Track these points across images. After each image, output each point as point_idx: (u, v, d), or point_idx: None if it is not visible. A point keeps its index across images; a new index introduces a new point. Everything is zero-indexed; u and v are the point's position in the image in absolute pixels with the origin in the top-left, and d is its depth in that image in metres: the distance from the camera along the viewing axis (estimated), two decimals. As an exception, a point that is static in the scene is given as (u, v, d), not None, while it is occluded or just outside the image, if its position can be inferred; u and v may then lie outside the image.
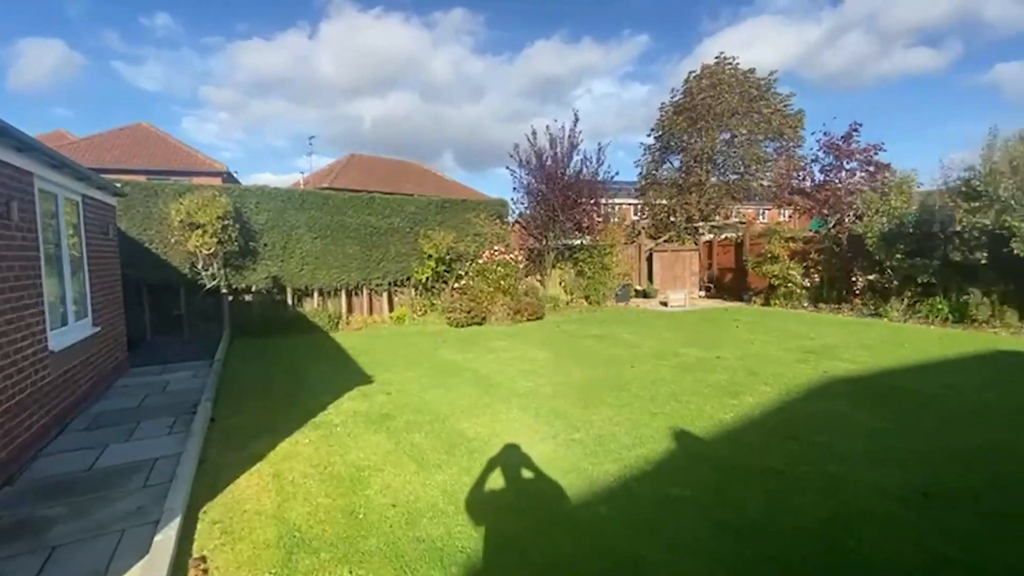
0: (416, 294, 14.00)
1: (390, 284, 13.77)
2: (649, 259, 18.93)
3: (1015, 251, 9.17)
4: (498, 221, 14.95)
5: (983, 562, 2.67)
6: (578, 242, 16.79)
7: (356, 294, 13.42)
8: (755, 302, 15.42)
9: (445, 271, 13.75)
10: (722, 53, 17.92)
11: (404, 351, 8.98)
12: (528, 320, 12.71)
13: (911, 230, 11.24)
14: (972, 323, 10.13)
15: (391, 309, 13.75)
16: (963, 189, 9.75)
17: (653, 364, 7.45)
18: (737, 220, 19.56)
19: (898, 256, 11.50)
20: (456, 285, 13.08)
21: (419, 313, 13.62)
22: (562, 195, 14.61)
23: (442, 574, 2.62)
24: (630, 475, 3.76)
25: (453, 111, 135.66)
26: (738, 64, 17.69)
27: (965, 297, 10.40)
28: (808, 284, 13.75)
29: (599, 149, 15.29)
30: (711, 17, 75.79)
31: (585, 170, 14.95)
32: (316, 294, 12.67)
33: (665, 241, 19.19)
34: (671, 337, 9.87)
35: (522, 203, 15.82)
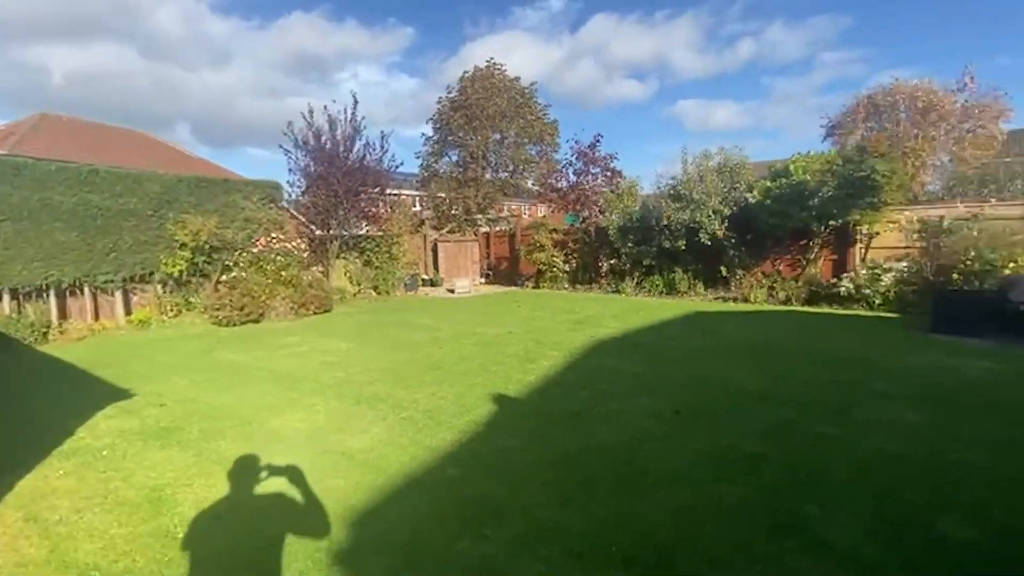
0: (165, 291, 11.64)
1: (125, 281, 11.13)
2: (435, 249, 19.56)
3: (701, 239, 12.57)
4: (271, 206, 13.43)
5: (719, 449, 3.78)
6: (363, 231, 16.31)
7: (74, 294, 10.47)
8: (527, 286, 17.44)
9: (206, 263, 11.78)
10: (492, 58, 19.62)
11: (165, 357, 7.46)
12: (315, 313, 11.86)
13: (637, 224, 14.31)
14: (678, 293, 13.51)
15: (128, 312, 11.15)
16: (671, 193, 12.91)
17: (457, 343, 7.89)
18: (508, 214, 21.71)
19: (629, 244, 14.52)
20: (224, 278, 11.34)
21: (171, 314, 11.39)
22: (346, 181, 13.96)
23: (309, 561, 2.45)
24: (466, 439, 4.04)
25: (189, 77, 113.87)
26: (506, 70, 19.61)
27: (672, 275, 13.77)
28: (568, 269, 16.22)
29: (383, 136, 15.07)
30: (472, 23, 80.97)
31: (369, 156, 14.57)
32: (6, 296, 9.45)
33: (447, 232, 20.08)
34: (465, 319, 10.52)
35: (299, 187, 14.56)
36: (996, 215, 9.62)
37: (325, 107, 14.47)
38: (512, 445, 3.89)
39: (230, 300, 10.70)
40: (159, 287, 11.69)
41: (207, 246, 11.49)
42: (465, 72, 19.78)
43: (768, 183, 11.88)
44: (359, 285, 16.02)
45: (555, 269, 16.32)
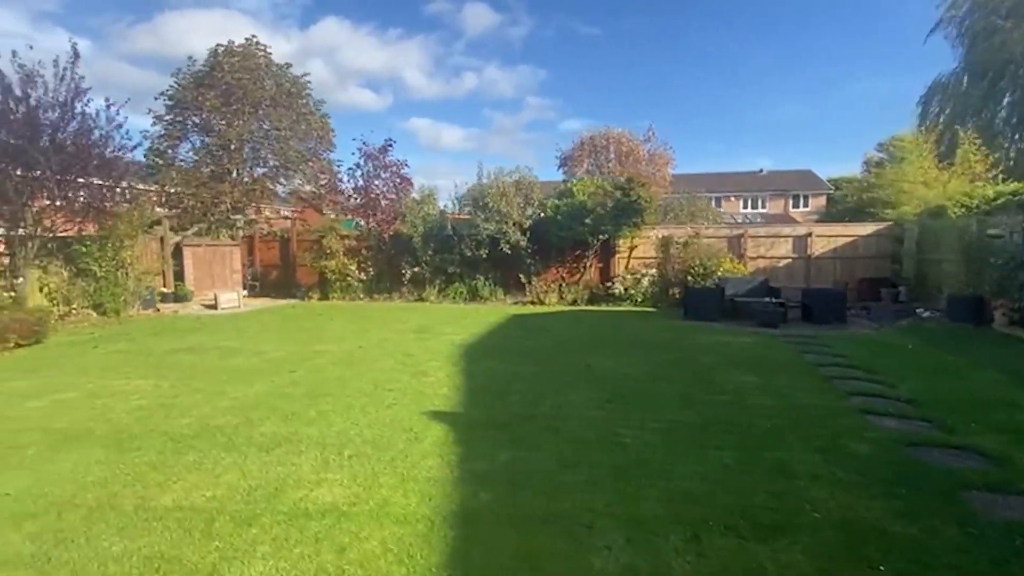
0: None
1: None
2: (177, 255, 15.63)
3: (503, 249, 13.60)
4: None
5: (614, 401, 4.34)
6: (71, 232, 11.91)
7: None
8: (311, 297, 15.65)
9: None
10: (254, 36, 16.70)
11: None
12: (19, 346, 8.17)
13: (440, 233, 14.54)
14: (481, 299, 14.24)
15: None
16: (479, 204, 13.53)
17: (311, 365, 6.64)
18: (266, 217, 18.92)
19: (430, 252, 14.62)
20: None
21: None
22: (56, 161, 10.04)
23: None
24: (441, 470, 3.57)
25: None
26: (271, 52, 17.08)
27: (474, 282, 14.46)
28: (363, 277, 15.22)
29: (108, 107, 11.34)
30: None
31: (97, 134, 10.84)
32: None
33: (195, 235, 16.27)
34: (279, 338, 8.86)
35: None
36: (708, 235, 13.46)
37: (14, 53, 10.12)
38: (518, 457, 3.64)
39: None
40: None
41: None
42: (219, 45, 16.40)
43: (556, 201, 13.71)
44: (70, 304, 11.68)
45: (349, 278, 15.12)
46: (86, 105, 10.74)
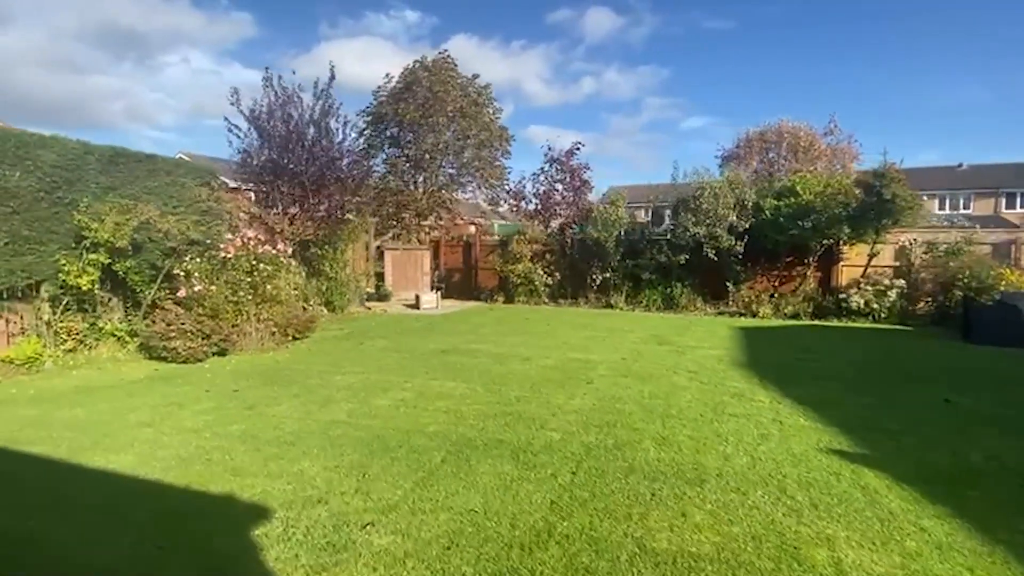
0: (58, 311, 7.79)
1: (3, 296, 7.26)
2: (380, 257, 16.90)
3: (708, 254, 12.59)
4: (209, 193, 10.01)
5: None
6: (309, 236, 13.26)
7: None
8: (496, 300, 15.91)
9: (133, 271, 8.21)
10: (446, 50, 17.74)
11: (141, 434, 4.64)
12: (295, 339, 9.02)
13: (636, 237, 13.94)
14: (678, 308, 13.35)
15: (7, 342, 7.26)
16: (690, 206, 12.70)
17: (597, 376, 6.35)
18: (446, 222, 19.83)
19: (618, 258, 14.07)
20: (174, 294, 7.93)
21: (69, 345, 7.67)
22: (313, 174, 11.14)
23: None
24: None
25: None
26: (457, 66, 17.88)
27: (670, 289, 13.60)
28: (549, 282, 15.13)
29: (345, 124, 12.44)
30: (330, 23, 75.70)
31: (345, 146, 11.95)
32: None
33: (391, 239, 17.51)
34: (518, 342, 8.82)
35: (244, 171, 11.25)
36: (979, 240, 11.22)
37: (280, 77, 11.42)
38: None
39: (187, 324, 7.49)
40: (45, 305, 7.79)
41: (127, 245, 7.93)
42: (416, 62, 17.53)
43: (775, 201, 12.36)
44: (307, 301, 12.95)
45: (535, 283, 15.11)
46: (337, 122, 11.89)
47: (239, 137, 11.07)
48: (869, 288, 11.43)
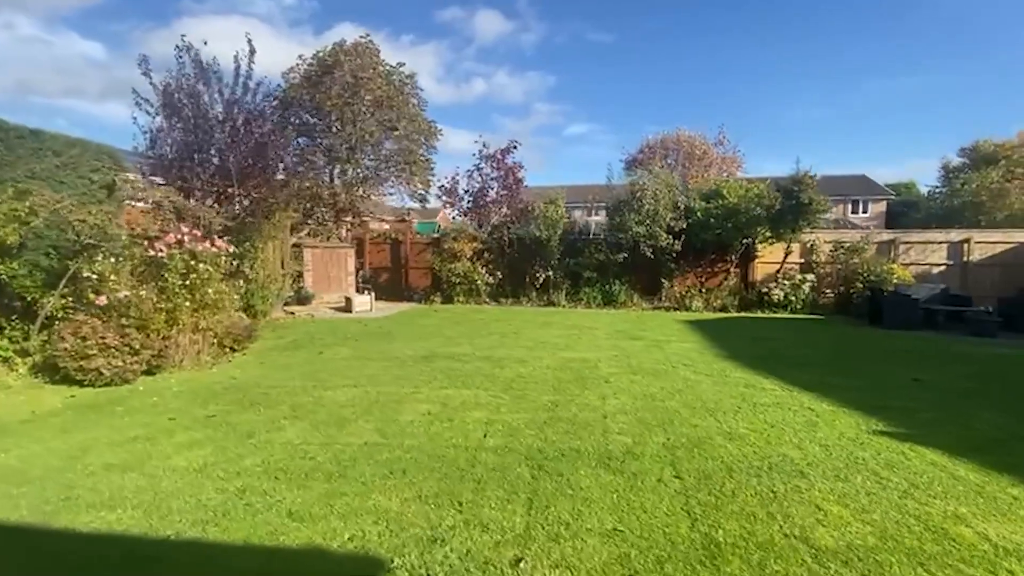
0: None
1: None
2: (297, 257, 15.33)
3: (645, 252, 13.23)
4: (101, 180, 8.28)
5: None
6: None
7: None
8: (433, 301, 15.28)
9: (22, 274, 6.52)
10: (368, 35, 16.49)
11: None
12: (233, 350, 7.82)
13: (576, 236, 14.22)
14: (617, 304, 13.85)
15: None
16: (633, 206, 13.14)
17: (609, 375, 6.27)
18: (380, 217, 18.61)
19: (557, 257, 14.29)
20: (98, 300, 6.36)
21: None
22: (243, 162, 9.78)
23: None
24: None
25: None
26: (379, 51, 16.78)
27: (609, 286, 14.07)
28: (491, 281, 14.85)
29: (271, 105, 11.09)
30: None
31: (268, 126, 10.59)
32: None
33: (306, 235, 15.96)
34: (497, 344, 8.48)
35: (152, 157, 9.49)
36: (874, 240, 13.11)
37: (189, 48, 9.80)
38: None
39: (115, 337, 6.11)
40: None
41: (54, 243, 6.30)
42: (335, 44, 16.11)
43: (704, 203, 13.33)
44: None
45: (477, 282, 14.75)
46: (256, 98, 10.49)
47: (149, 114, 9.31)
48: (786, 282, 12.82)
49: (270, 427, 4.45)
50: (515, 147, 15.83)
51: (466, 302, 14.90)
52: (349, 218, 16.87)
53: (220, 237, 9.26)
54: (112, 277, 6.58)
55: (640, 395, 5.35)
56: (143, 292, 6.48)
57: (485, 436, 4.17)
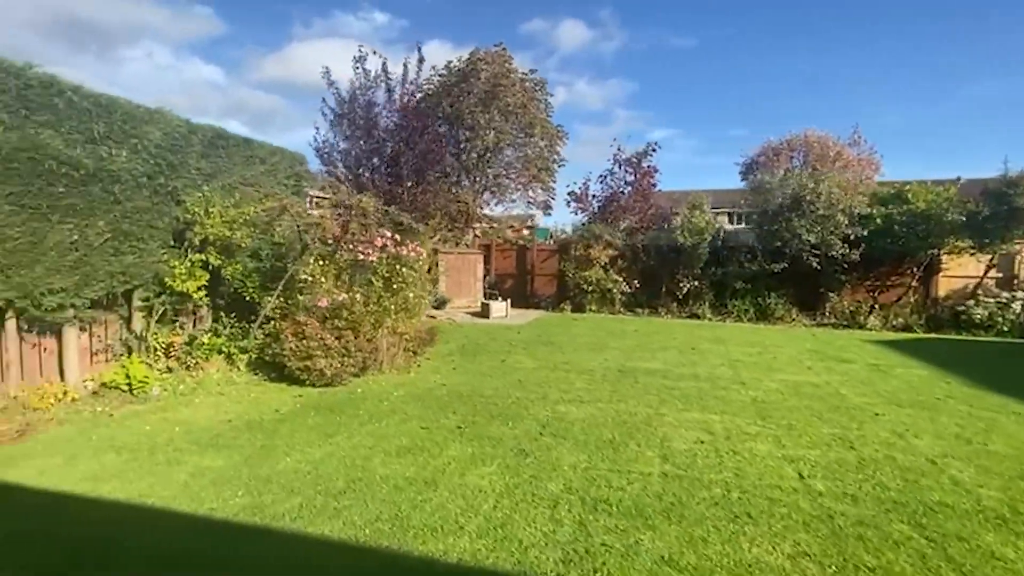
0: (152, 323, 6.37)
1: (96, 304, 5.84)
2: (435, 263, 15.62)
3: (811, 262, 11.96)
4: (295, 186, 8.66)
5: None
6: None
7: None
8: (562, 309, 14.88)
9: (243, 275, 6.85)
10: (501, 43, 16.69)
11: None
12: (415, 353, 7.79)
13: (723, 244, 13.24)
14: (773, 319, 12.67)
15: (70, 369, 5.85)
16: (804, 211, 12.00)
17: (890, 409, 5.45)
18: (497, 224, 18.69)
19: (701, 265, 13.32)
20: (319, 303, 6.55)
21: (169, 365, 6.29)
22: (418, 166, 9.95)
23: None
24: None
25: None
26: (513, 59, 16.82)
27: (763, 298, 12.92)
28: (626, 290, 14.21)
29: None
30: (304, 23, 73.91)
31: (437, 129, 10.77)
32: None
33: (439, 241, 16.24)
34: (681, 359, 7.84)
35: (337, 164, 9.93)
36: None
37: (356, 57, 10.14)
38: None
39: (333, 339, 6.21)
40: (138, 316, 6.35)
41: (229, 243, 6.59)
42: (474, 52, 16.38)
43: (883, 208, 11.86)
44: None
45: (613, 290, 14.17)
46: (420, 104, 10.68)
47: (326, 119, 9.74)
48: (990, 300, 11.02)
49: (534, 445, 4.14)
50: (653, 150, 15.12)
51: (598, 311, 14.36)
52: (478, 225, 17.00)
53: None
54: (322, 280, 6.76)
55: (936, 433, 4.49)
56: (358, 295, 6.56)
57: (802, 477, 3.57)
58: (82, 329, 5.72)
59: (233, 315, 7.07)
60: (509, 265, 17.17)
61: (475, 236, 17.17)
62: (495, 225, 17.19)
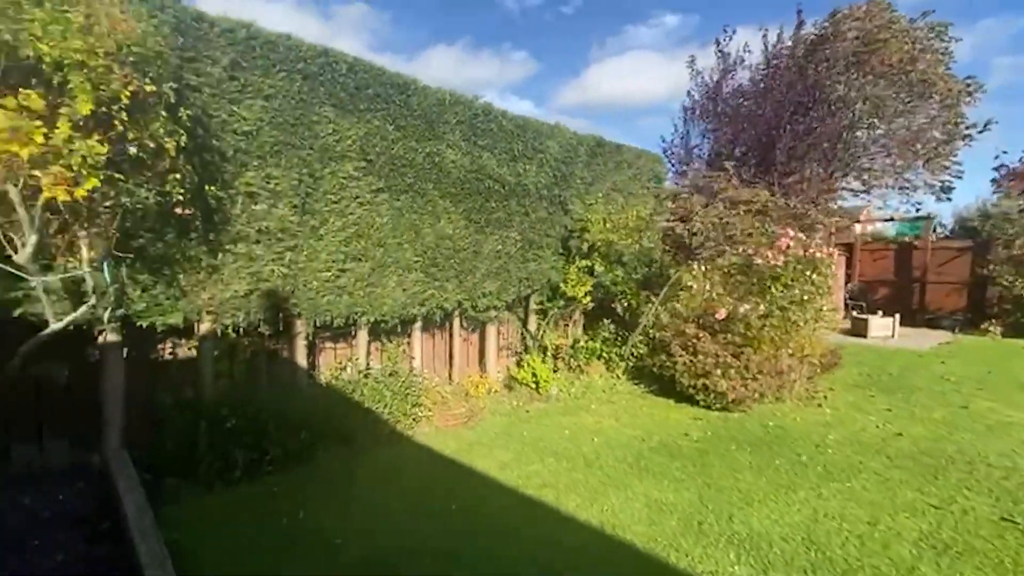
0: (542, 326, 6.62)
1: (511, 306, 6.37)
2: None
3: None
4: (656, 188, 8.14)
5: None
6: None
7: (430, 331, 5.82)
8: (988, 331, 10.55)
9: (622, 281, 6.63)
10: (875, -6, 13.28)
11: None
12: (813, 381, 6.15)
13: None
14: None
15: (489, 362, 6.32)
16: None
17: None
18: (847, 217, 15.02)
19: None
20: (717, 315, 5.91)
21: (555, 367, 6.37)
22: (791, 145, 8.41)
23: None
24: None
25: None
26: (895, 10, 13.07)
27: None
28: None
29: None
30: (599, 44, 76.69)
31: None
32: (363, 333, 4.88)
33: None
34: None
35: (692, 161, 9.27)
36: None
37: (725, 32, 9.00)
38: None
39: (732, 357, 5.29)
40: (533, 319, 6.73)
41: (621, 251, 6.30)
42: (835, 11, 13.54)
43: None
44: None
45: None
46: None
47: (702, 118, 9.11)
48: None
49: None
50: None
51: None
52: (836, 219, 13.85)
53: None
54: (706, 287, 5.98)
55: None
56: (761, 306, 5.55)
57: None
58: (484, 331, 6.40)
59: (608, 321, 6.99)
60: (882, 269, 13.43)
61: (831, 233, 14.00)
62: (861, 219, 13.70)
